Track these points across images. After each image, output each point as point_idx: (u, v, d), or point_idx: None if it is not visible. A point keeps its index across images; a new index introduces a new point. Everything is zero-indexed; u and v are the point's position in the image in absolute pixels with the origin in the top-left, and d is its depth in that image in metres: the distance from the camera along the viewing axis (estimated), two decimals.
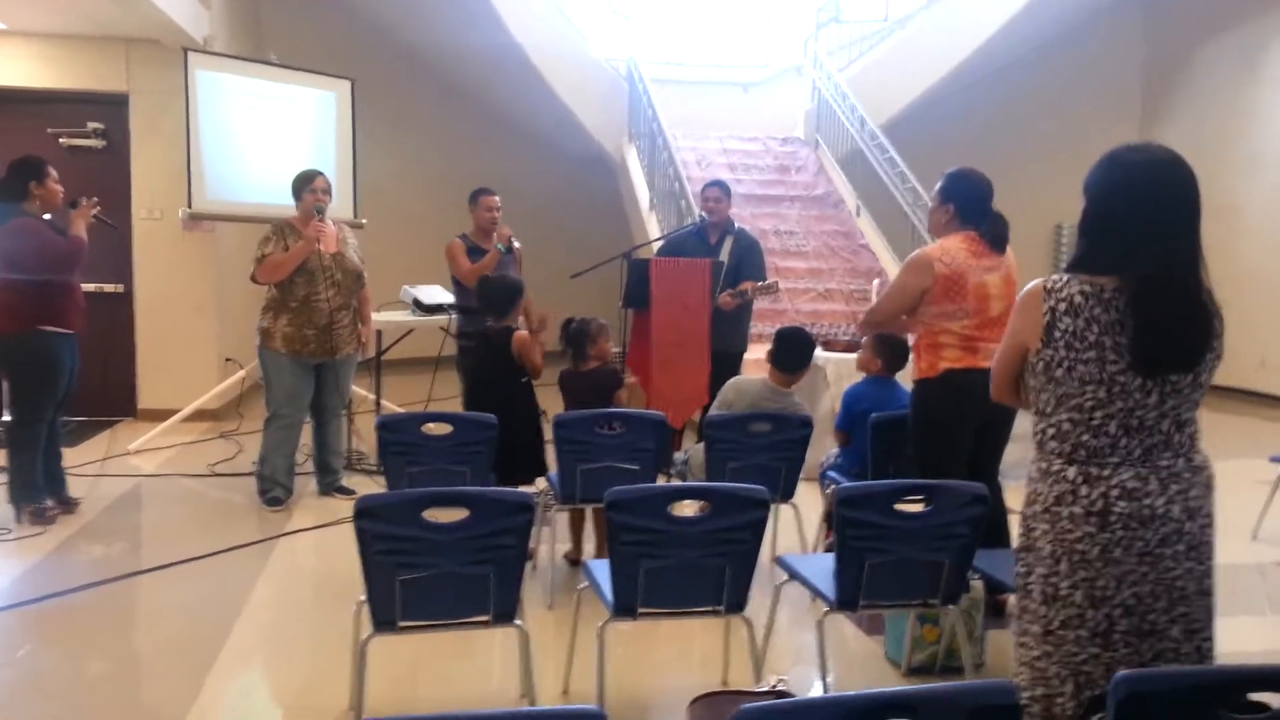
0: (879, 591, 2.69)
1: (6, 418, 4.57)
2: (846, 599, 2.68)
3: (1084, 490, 2.02)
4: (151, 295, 6.94)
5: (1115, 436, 2.02)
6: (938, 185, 3.57)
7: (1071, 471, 2.03)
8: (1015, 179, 10.07)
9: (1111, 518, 2.01)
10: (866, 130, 8.73)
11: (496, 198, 5.40)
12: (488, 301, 4.32)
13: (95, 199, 4.69)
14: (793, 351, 4.12)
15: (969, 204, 3.49)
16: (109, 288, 6.80)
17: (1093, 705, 1.71)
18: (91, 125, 6.91)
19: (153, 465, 5.79)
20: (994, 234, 3.47)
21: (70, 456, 5.30)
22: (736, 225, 5.68)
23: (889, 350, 4.18)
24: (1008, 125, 10.25)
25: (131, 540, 4.57)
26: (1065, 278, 2.04)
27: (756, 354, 5.23)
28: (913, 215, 8.00)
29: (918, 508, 2.68)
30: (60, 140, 6.82)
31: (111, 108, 6.86)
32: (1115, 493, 2.01)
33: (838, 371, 5.53)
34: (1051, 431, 2.08)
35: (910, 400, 3.64)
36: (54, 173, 4.59)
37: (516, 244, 5.37)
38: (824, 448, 4.62)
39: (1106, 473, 2.01)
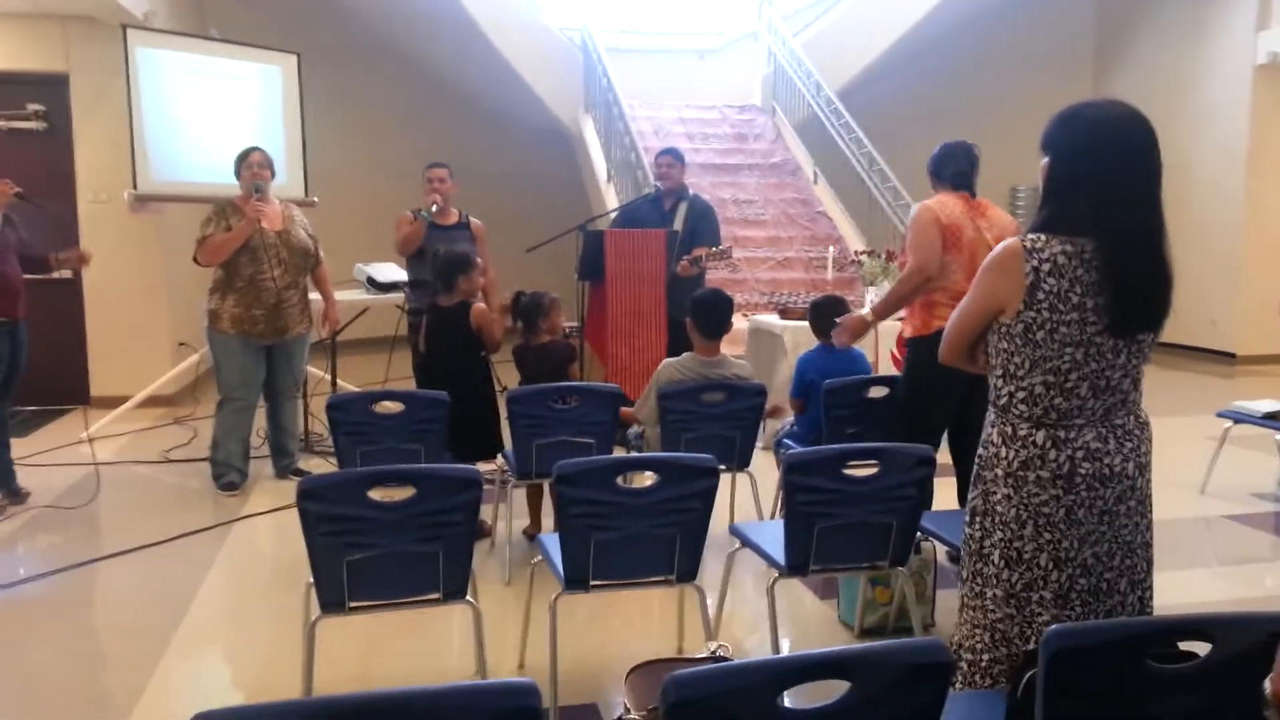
0: (829, 555, 2.71)
1: None
2: (797, 563, 2.69)
3: (1052, 454, 2.02)
4: (100, 280, 6.79)
5: (1084, 398, 2.01)
6: None
7: (1040, 435, 2.02)
8: (970, 142, 10.16)
9: (1076, 479, 2.02)
10: (822, 96, 8.73)
11: (441, 169, 5.18)
12: (435, 275, 4.27)
13: (8, 181, 4.50)
14: (713, 315, 3.91)
15: (937, 165, 3.69)
16: (56, 274, 6.62)
17: (1027, 660, 1.73)
18: (31, 107, 6.74)
19: (107, 453, 5.69)
20: (956, 178, 3.61)
21: (21, 447, 5.21)
22: (691, 192, 5.67)
23: (821, 315, 4.18)
24: (961, 89, 10.28)
25: (84, 529, 4.50)
26: (1044, 238, 1.98)
27: None
28: (869, 181, 8.02)
29: (866, 471, 2.69)
30: None
31: (51, 88, 6.69)
32: (1080, 454, 2.01)
33: (795, 340, 5.55)
34: (1022, 395, 2.04)
35: (905, 359, 3.70)
36: None
37: (475, 220, 5.27)
38: (782, 416, 4.64)
39: (1072, 435, 2.02)
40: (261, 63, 6.62)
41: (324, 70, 7.72)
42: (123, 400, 6.33)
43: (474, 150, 9.08)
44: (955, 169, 3.65)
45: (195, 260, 4.77)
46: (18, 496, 4.68)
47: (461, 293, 4.21)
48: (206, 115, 6.30)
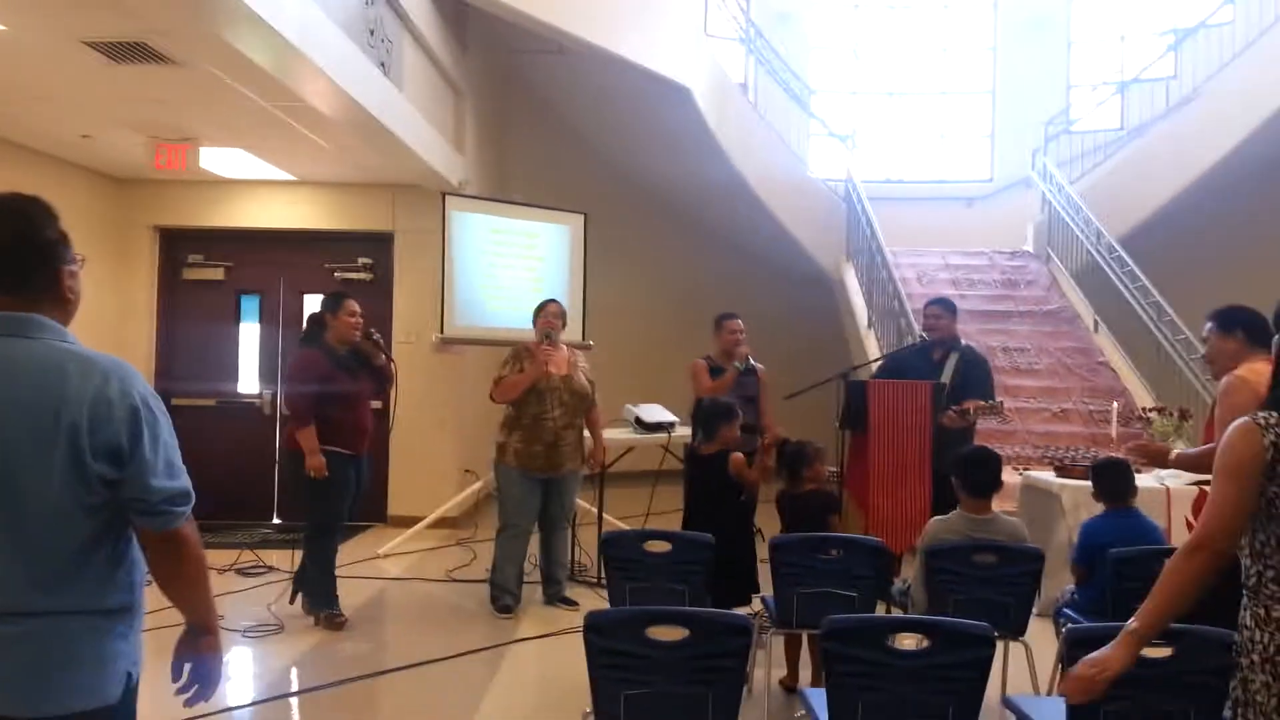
0: None
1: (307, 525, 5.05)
2: None
3: None
4: (404, 412, 7.57)
5: None
6: (1210, 325, 3.46)
7: None
8: (1272, 295, 9.25)
9: None
10: (1103, 243, 8.39)
11: (739, 322, 5.56)
12: (697, 422, 4.49)
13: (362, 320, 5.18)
14: (980, 473, 3.81)
15: (1257, 327, 3.32)
16: (373, 405, 7.49)
17: None
18: (361, 260, 7.82)
19: (399, 569, 6.26)
20: None
21: None
22: (963, 342, 5.59)
23: (1104, 478, 3.94)
24: (1263, 236, 9.48)
25: (380, 640, 4.95)
26: (1276, 415, 1.98)
27: None
28: (1157, 331, 7.54)
29: (1161, 653, 2.50)
30: (335, 274, 7.74)
31: (378, 244, 7.75)
32: None
33: (1075, 500, 5.22)
34: (1271, 574, 1.98)
35: None
36: (349, 305, 5.04)
37: (760, 366, 5.51)
38: (1061, 582, 4.36)
39: None
40: (554, 222, 7.34)
41: (604, 224, 8.38)
42: (415, 520, 6.95)
43: (735, 296, 9.33)
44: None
45: (491, 397, 5.26)
46: (337, 619, 4.96)
47: (722, 440, 4.38)
48: (504, 267, 7.03)
